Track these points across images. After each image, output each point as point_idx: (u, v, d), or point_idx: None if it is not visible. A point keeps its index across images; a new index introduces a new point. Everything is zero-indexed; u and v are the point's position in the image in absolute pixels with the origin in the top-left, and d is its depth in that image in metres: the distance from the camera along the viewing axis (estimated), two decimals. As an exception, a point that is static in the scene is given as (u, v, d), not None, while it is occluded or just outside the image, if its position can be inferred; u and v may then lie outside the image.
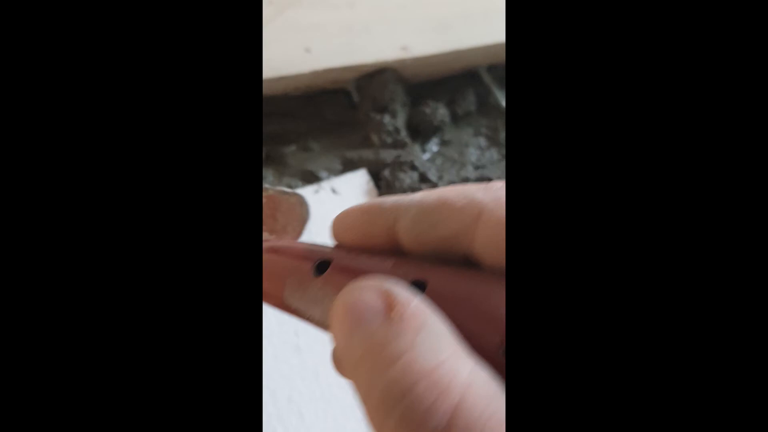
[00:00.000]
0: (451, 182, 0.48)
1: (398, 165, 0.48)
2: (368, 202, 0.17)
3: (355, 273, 0.15)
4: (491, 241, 0.14)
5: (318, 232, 0.44)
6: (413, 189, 0.46)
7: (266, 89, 0.49)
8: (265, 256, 0.18)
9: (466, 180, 0.49)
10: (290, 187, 0.48)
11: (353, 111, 0.53)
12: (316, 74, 0.49)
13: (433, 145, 0.52)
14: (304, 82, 0.50)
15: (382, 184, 0.47)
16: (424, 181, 0.47)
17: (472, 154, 0.51)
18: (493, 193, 0.14)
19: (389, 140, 0.50)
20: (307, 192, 0.47)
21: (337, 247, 0.17)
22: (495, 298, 0.13)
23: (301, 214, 0.23)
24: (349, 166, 0.49)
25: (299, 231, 0.22)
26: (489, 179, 0.49)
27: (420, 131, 0.52)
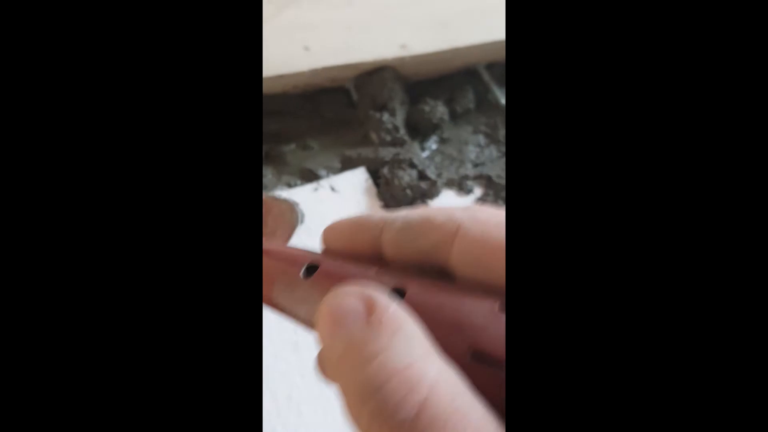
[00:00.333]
0: (450, 180, 0.48)
1: (397, 163, 0.48)
2: (358, 215, 0.18)
3: (340, 278, 0.16)
4: (465, 255, 0.15)
5: (316, 230, 0.44)
6: (412, 187, 0.46)
7: (266, 87, 0.49)
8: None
9: (465, 177, 0.49)
10: (289, 185, 0.48)
11: (352, 109, 0.53)
12: (315, 72, 0.49)
13: (432, 143, 0.52)
14: (303, 80, 0.50)
15: (381, 182, 0.47)
16: (423, 178, 0.47)
17: (471, 151, 0.51)
18: (471, 213, 0.16)
19: (388, 138, 0.50)
20: (306, 190, 0.47)
21: (325, 253, 0.18)
22: (466, 307, 0.14)
23: (291, 220, 0.24)
24: (348, 164, 0.49)
25: (288, 235, 0.23)
26: (488, 177, 0.49)
27: (419, 129, 0.52)
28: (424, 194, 0.46)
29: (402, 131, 0.51)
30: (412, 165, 0.48)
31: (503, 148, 0.51)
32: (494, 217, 0.15)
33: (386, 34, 0.52)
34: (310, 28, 0.51)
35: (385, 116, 0.51)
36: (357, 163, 0.49)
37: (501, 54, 0.54)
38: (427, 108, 0.52)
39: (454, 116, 0.53)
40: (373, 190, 0.47)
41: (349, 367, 0.12)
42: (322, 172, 0.49)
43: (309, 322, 0.17)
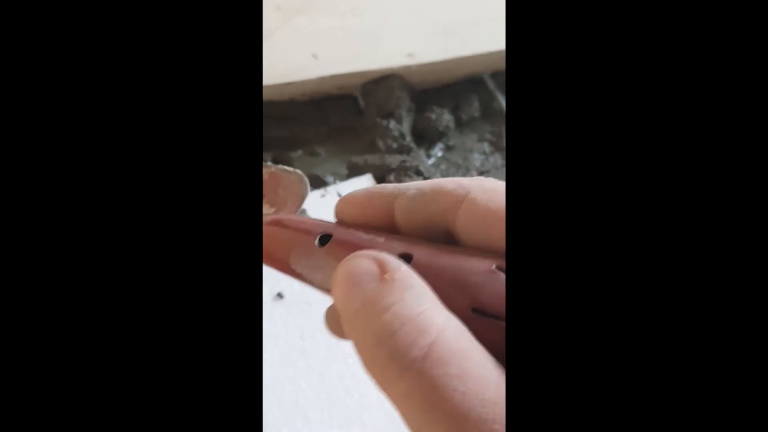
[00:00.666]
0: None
1: (403, 170, 0.48)
2: (371, 187, 0.19)
3: (352, 245, 0.17)
4: (470, 219, 0.16)
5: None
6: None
7: (273, 95, 0.49)
8: (273, 228, 0.20)
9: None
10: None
11: (359, 116, 0.53)
12: (322, 80, 0.49)
13: (438, 151, 0.52)
14: (310, 87, 0.51)
15: (387, 188, 0.48)
16: (429, 186, 0.48)
17: (476, 159, 0.52)
18: (479, 182, 0.17)
19: (394, 145, 0.50)
20: (313, 196, 0.47)
21: (338, 224, 0.19)
22: (466, 267, 0.15)
23: (300, 190, 0.25)
24: (354, 170, 0.49)
25: (298, 205, 0.24)
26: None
27: (425, 137, 0.52)
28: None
29: (408, 139, 0.51)
30: (418, 172, 0.48)
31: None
32: (500, 187, 0.17)
33: (393, 43, 0.52)
34: (318, 37, 0.52)
35: (392, 124, 0.51)
36: (364, 169, 0.49)
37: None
38: (433, 116, 0.52)
39: (460, 124, 0.54)
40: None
41: (366, 319, 0.14)
42: (329, 179, 0.49)
43: (324, 287, 0.18)
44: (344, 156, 0.51)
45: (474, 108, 0.54)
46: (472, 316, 0.14)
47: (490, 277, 0.15)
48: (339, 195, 0.47)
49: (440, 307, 0.14)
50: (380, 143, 0.51)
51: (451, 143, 0.53)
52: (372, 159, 0.50)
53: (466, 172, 0.51)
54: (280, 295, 0.40)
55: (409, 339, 0.13)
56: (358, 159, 0.50)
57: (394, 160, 0.49)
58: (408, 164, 0.49)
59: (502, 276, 0.15)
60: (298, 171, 0.25)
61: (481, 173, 0.51)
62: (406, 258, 0.16)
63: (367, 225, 0.18)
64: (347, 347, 0.40)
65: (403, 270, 0.15)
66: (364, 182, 0.48)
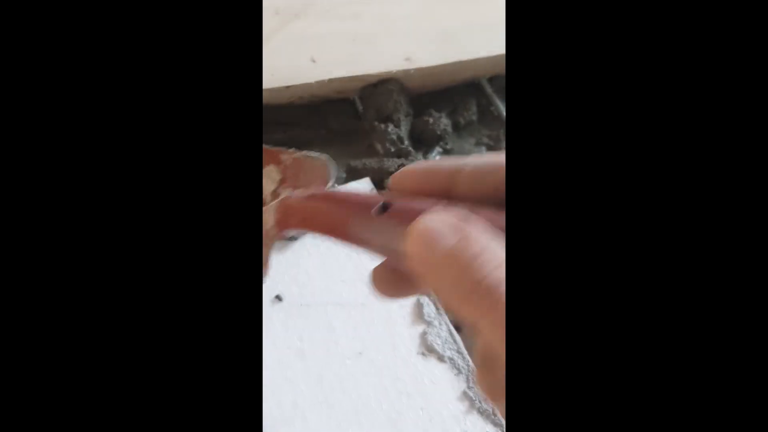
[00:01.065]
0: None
1: (401, 173, 0.49)
2: (426, 162, 0.21)
3: (414, 211, 0.18)
4: None
5: (322, 238, 0.44)
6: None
7: (272, 98, 0.50)
8: (323, 202, 0.23)
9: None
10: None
11: (357, 120, 0.53)
12: (321, 84, 0.50)
13: (436, 154, 0.53)
14: (309, 91, 0.51)
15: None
16: (427, 189, 0.48)
17: (474, 163, 0.52)
18: None
19: (393, 149, 0.51)
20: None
21: (390, 194, 0.21)
22: None
23: (324, 174, 0.27)
24: (353, 174, 0.50)
25: (322, 189, 0.25)
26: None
27: (423, 140, 0.53)
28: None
29: (406, 142, 0.51)
30: (416, 175, 0.49)
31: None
32: None
33: (391, 47, 0.53)
34: (316, 41, 0.52)
35: (390, 127, 0.51)
36: (362, 173, 0.49)
37: (503, 67, 0.55)
38: (430, 120, 0.52)
39: (457, 128, 0.54)
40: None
41: (454, 268, 0.16)
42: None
43: (383, 249, 0.20)
44: (342, 159, 0.51)
45: (471, 112, 0.55)
46: None
47: None
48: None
49: (502, 250, 0.16)
50: (378, 147, 0.51)
51: (448, 147, 0.53)
52: (370, 162, 0.50)
53: (463, 175, 0.51)
54: (278, 298, 0.41)
55: (497, 284, 0.15)
56: (356, 162, 0.50)
57: (392, 163, 0.49)
58: (406, 168, 0.49)
59: None
60: (323, 155, 0.27)
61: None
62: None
63: (424, 195, 0.20)
64: (346, 349, 0.40)
65: (476, 224, 0.17)
66: (363, 186, 0.48)
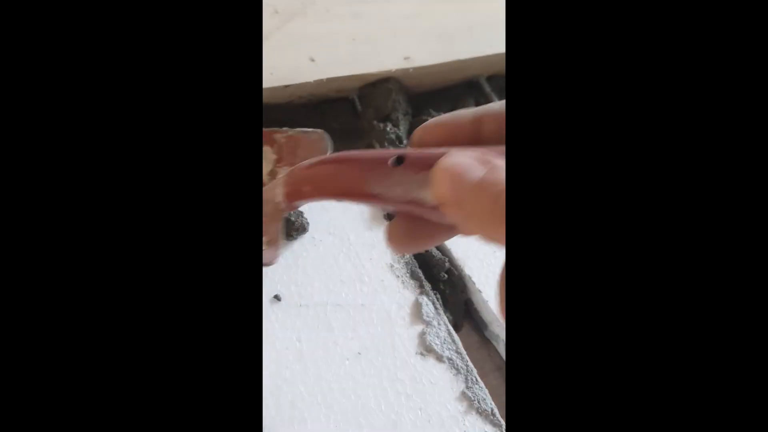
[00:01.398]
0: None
1: (400, 173, 0.48)
2: (447, 114, 0.22)
3: (430, 158, 0.19)
4: None
5: (321, 238, 0.44)
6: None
7: (272, 98, 0.49)
8: (334, 165, 0.23)
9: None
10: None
11: (356, 119, 0.53)
12: (320, 83, 0.50)
13: (435, 154, 0.52)
14: (308, 90, 0.51)
15: (384, 191, 0.48)
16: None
17: (473, 162, 0.52)
18: None
19: (391, 148, 0.51)
20: (311, 202, 0.47)
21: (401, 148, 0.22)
22: None
23: (322, 147, 0.28)
24: (351, 173, 0.49)
25: None
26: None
27: (422, 140, 0.53)
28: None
29: (405, 142, 0.51)
30: (415, 175, 0.49)
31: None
32: None
33: (390, 47, 0.53)
34: (315, 40, 0.52)
35: (389, 126, 0.51)
36: (361, 172, 0.49)
37: (502, 66, 0.55)
38: (429, 119, 0.52)
39: (456, 127, 0.54)
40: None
41: (485, 192, 0.17)
42: (326, 181, 0.49)
43: (404, 199, 0.20)
44: (341, 159, 0.51)
45: (470, 111, 0.55)
46: None
47: None
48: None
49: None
50: (377, 146, 0.51)
51: (447, 146, 0.53)
52: (369, 162, 0.50)
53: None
54: (277, 298, 0.40)
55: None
56: (355, 162, 0.50)
57: (391, 162, 0.49)
58: (405, 167, 0.49)
59: None
60: (318, 130, 0.27)
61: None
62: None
63: (447, 146, 0.20)
64: (344, 349, 0.40)
65: (501, 156, 0.17)
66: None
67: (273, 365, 0.37)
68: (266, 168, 0.30)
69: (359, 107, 0.53)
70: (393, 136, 0.51)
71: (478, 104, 0.55)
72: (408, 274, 0.43)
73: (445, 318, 0.41)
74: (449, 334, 0.40)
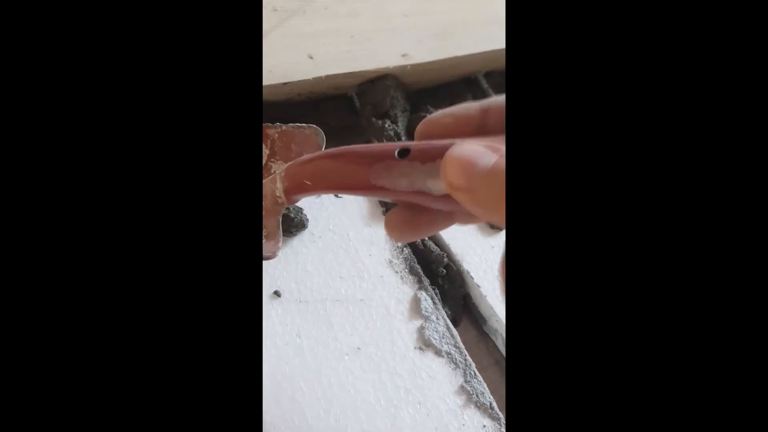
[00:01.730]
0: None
1: (399, 170, 0.49)
2: (451, 107, 0.22)
3: (436, 149, 0.19)
4: None
5: (320, 235, 0.45)
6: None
7: (270, 95, 0.50)
8: (336, 161, 0.23)
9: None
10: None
11: (355, 116, 0.54)
12: (318, 80, 0.50)
13: (433, 150, 0.53)
14: (307, 87, 0.51)
15: (382, 188, 0.48)
16: (424, 185, 0.48)
17: (471, 159, 0.52)
18: None
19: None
20: (310, 196, 0.47)
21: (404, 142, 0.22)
22: None
23: (317, 141, 0.28)
24: (350, 170, 0.50)
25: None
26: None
27: (420, 136, 0.53)
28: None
29: (403, 138, 0.51)
30: (414, 172, 0.49)
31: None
32: None
33: (388, 44, 0.53)
34: (314, 37, 0.52)
35: (387, 123, 0.51)
36: (359, 169, 0.49)
37: (500, 63, 0.55)
38: (427, 115, 0.52)
39: (455, 124, 0.54)
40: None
41: (499, 183, 0.17)
42: (325, 178, 0.49)
43: (410, 190, 0.21)
44: (340, 156, 0.51)
45: (468, 108, 0.55)
46: None
47: None
48: (335, 194, 0.48)
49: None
50: (375, 143, 0.51)
51: (446, 143, 0.53)
52: (367, 159, 0.50)
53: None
54: (277, 294, 0.41)
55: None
56: (353, 159, 0.50)
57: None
58: (403, 164, 0.49)
59: None
60: (312, 125, 0.28)
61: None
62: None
63: (452, 137, 0.21)
64: (344, 345, 0.40)
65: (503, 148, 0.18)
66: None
67: (273, 360, 0.37)
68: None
69: (358, 104, 0.54)
70: (391, 133, 0.51)
71: (476, 101, 0.55)
72: (407, 270, 0.43)
73: (444, 313, 0.41)
74: (448, 328, 0.40)
